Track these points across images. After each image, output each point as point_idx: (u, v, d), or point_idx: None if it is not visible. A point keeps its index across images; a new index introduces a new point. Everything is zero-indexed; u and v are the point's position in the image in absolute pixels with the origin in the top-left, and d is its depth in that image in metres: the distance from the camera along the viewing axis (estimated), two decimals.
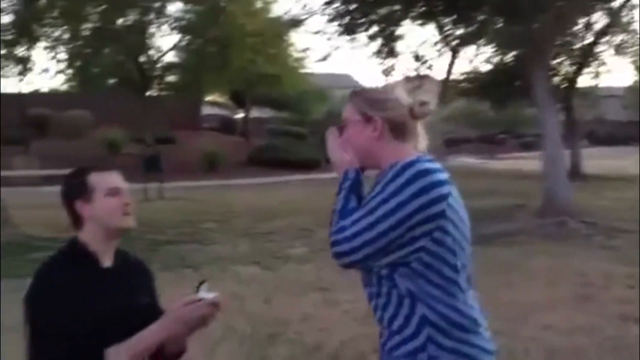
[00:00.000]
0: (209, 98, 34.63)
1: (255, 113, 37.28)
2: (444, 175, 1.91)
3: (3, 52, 13.40)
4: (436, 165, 1.94)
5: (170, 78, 25.43)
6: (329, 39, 18.11)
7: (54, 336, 2.07)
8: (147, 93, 24.37)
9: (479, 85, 25.16)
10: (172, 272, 7.47)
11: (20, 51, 13.73)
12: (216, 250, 9.58)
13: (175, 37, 24.76)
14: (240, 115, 37.86)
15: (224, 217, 13.21)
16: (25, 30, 13.39)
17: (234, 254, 9.21)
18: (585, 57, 22.85)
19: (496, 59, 24.07)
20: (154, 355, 2.24)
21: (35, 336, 2.14)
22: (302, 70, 29.96)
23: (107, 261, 2.24)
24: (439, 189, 1.87)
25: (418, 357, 1.89)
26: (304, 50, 27.71)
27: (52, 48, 18.82)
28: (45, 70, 20.97)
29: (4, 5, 13.01)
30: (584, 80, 26.36)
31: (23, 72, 14.60)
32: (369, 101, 2.05)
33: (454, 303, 1.89)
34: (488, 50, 23.22)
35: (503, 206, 13.78)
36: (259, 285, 7.30)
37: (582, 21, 20.19)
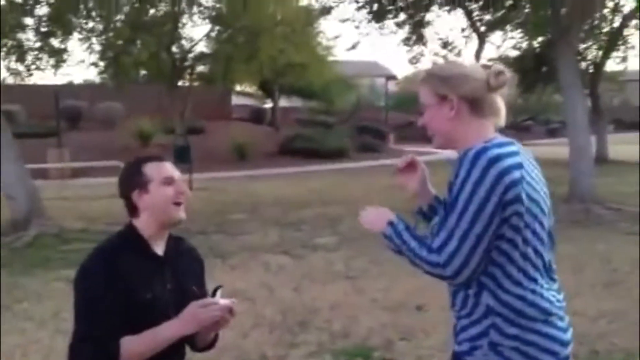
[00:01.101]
0: (238, 88, 34.76)
1: (284, 103, 37.36)
2: (514, 159, 1.88)
3: (38, 44, 13.63)
4: (505, 149, 1.91)
5: (201, 68, 25.57)
6: (357, 26, 18.14)
7: (98, 312, 2.16)
8: (178, 83, 24.56)
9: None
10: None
11: (55, 42, 13.91)
12: (245, 239, 9.70)
13: (206, 27, 24.85)
14: (269, 105, 37.96)
15: (253, 207, 13.34)
16: (61, 21, 13.55)
17: (263, 243, 9.32)
18: (613, 41, 22.50)
19: (524, 45, 23.84)
20: (183, 344, 2.34)
21: (80, 311, 2.23)
22: (331, 59, 29.92)
23: (159, 248, 2.35)
24: (510, 174, 1.85)
25: (479, 342, 1.92)
26: (333, 38, 27.63)
27: (86, 39, 19.05)
28: (81, 62, 21.15)
29: None
30: (611, 65, 26.03)
31: (58, 64, 14.80)
32: (442, 79, 2.00)
33: (521, 292, 1.90)
34: (516, 35, 23.03)
35: None
36: (288, 274, 7.40)
37: (610, 4, 19.90)
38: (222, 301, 2.21)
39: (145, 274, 2.27)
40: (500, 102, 2.02)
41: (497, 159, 1.85)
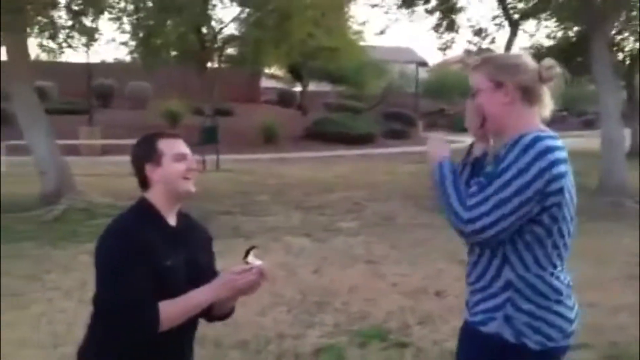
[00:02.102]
0: (267, 71, 34.80)
1: (312, 86, 37.33)
2: (562, 154, 2.01)
3: (70, 23, 13.75)
4: (556, 142, 2.02)
5: (230, 50, 25.64)
6: (386, 12, 18.03)
7: (125, 282, 2.21)
8: (207, 65, 24.66)
9: (539, 61, 24.63)
10: (225, 241, 7.69)
11: (87, 21, 14.03)
12: (269, 221, 9.78)
13: (236, 10, 24.84)
14: (297, 88, 37.98)
15: (278, 190, 13.43)
16: (92, 0, 13.68)
17: (286, 225, 9.39)
18: None
19: (558, 34, 23.49)
20: (202, 314, 2.41)
21: (104, 280, 2.29)
22: (361, 43, 29.78)
23: (171, 220, 2.41)
24: (558, 167, 1.96)
25: (495, 315, 2.04)
26: (363, 23, 27.49)
27: (117, 19, 19.20)
28: (112, 41, 21.36)
29: None
30: None
31: (89, 43, 14.94)
32: (499, 67, 2.11)
33: (541, 273, 2.02)
34: (550, 24, 22.68)
35: None
36: (309, 256, 7.46)
37: None
38: (255, 263, 2.26)
39: (161, 243, 2.32)
40: (548, 95, 2.14)
41: (550, 149, 1.97)
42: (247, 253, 2.32)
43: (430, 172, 2.13)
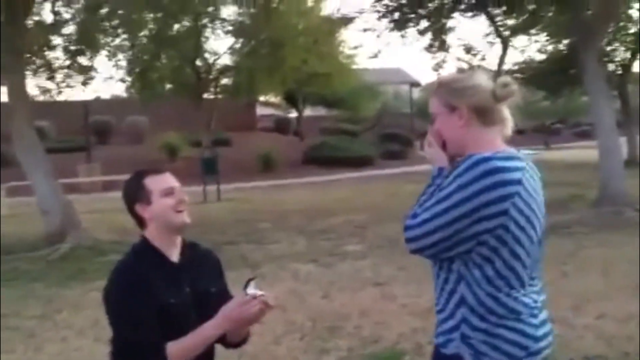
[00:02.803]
0: (263, 99, 35.04)
1: (308, 112, 37.52)
2: (514, 175, 1.96)
3: (67, 62, 13.94)
4: (511, 162, 1.99)
5: (225, 81, 25.85)
6: (379, 35, 18.19)
7: (132, 325, 2.28)
8: (203, 96, 24.85)
9: (532, 75, 24.84)
10: (233, 271, 7.72)
11: (83, 60, 14.24)
12: (274, 248, 9.82)
13: (229, 40, 25.13)
14: (293, 114, 38.17)
15: (281, 216, 13.47)
16: (88, 40, 13.88)
17: (291, 252, 9.43)
18: None
19: (549, 48, 23.73)
20: (218, 341, 2.44)
21: (114, 324, 2.36)
22: (355, 67, 30.00)
23: (174, 255, 2.45)
24: (504, 188, 1.92)
25: (452, 336, 2.03)
26: (355, 47, 27.73)
27: (112, 56, 19.42)
28: (110, 78, 21.55)
29: (67, 16, 13.53)
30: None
31: (86, 81, 15.13)
32: (451, 90, 2.10)
33: (495, 293, 1.98)
34: (541, 39, 22.92)
35: (559, 197, 13.66)
36: (317, 281, 7.49)
37: (636, 5, 19.76)
38: (258, 293, 2.29)
39: (164, 281, 2.37)
40: (506, 112, 2.12)
41: (496, 170, 1.94)
42: (247, 284, 2.33)
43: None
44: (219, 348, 2.55)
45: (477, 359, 1.99)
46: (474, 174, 1.93)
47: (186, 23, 21.30)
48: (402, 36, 17.96)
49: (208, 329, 2.32)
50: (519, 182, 1.97)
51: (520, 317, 2.01)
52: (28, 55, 12.43)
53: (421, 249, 2.02)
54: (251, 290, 2.30)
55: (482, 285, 1.99)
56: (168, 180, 2.46)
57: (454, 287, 2.04)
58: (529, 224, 2.01)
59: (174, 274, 2.43)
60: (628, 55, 23.29)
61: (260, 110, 37.68)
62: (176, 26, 20.91)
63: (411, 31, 17.94)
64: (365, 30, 17.98)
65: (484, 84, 2.09)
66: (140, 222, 2.46)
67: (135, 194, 2.43)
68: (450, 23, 18.98)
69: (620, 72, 23.42)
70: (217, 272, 2.62)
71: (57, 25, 13.47)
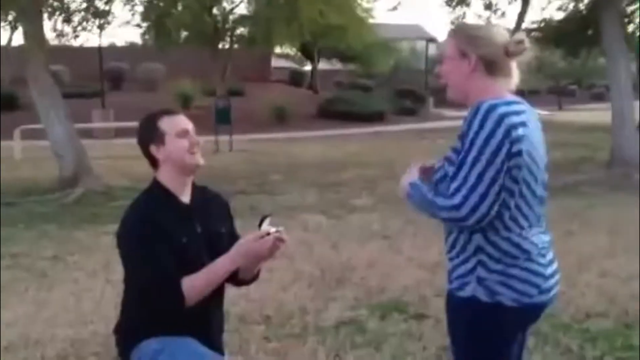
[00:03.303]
0: (278, 51, 34.78)
1: (323, 65, 37.27)
2: (519, 118, 2.07)
3: (84, 5, 13.84)
4: (514, 107, 2.09)
5: (241, 30, 25.64)
6: None
7: (148, 263, 2.34)
8: (219, 46, 24.69)
9: (550, 34, 24.47)
10: (242, 220, 7.81)
11: (100, 4, 14.13)
12: (284, 200, 9.90)
13: None
14: (308, 67, 37.93)
15: (292, 169, 13.53)
16: None
17: (301, 204, 9.51)
18: None
19: (570, 6, 23.30)
20: (228, 280, 2.51)
21: (128, 264, 2.43)
22: (371, 21, 29.64)
23: (185, 197, 2.50)
24: (516, 130, 2.03)
25: (468, 278, 2.14)
26: (373, 0, 27.35)
27: (129, 1, 19.22)
28: (126, 23, 21.34)
29: None
30: None
31: (103, 25, 15.03)
32: (467, 38, 2.19)
33: (508, 235, 2.09)
34: None
35: (570, 158, 13.65)
36: (326, 233, 7.58)
37: None
38: (271, 229, 2.35)
39: (176, 221, 2.43)
40: (514, 67, 2.21)
41: (505, 115, 2.05)
42: (261, 221, 2.40)
43: (405, 199, 2.22)
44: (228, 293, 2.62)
45: (492, 299, 2.10)
46: (492, 122, 2.02)
47: None
48: None
49: (223, 264, 2.38)
50: (524, 124, 2.08)
51: (531, 257, 2.12)
52: None
53: (485, 216, 2.04)
54: (265, 226, 2.36)
55: (499, 231, 2.09)
56: (182, 122, 2.49)
57: (468, 236, 2.13)
58: (535, 164, 2.12)
59: (186, 215, 2.48)
60: None
61: (275, 62, 37.47)
62: None
63: None
64: None
65: (499, 38, 2.17)
66: (154, 163, 2.49)
67: (149, 135, 2.46)
68: None
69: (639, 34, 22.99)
70: (226, 214, 2.68)
71: None
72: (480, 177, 2.02)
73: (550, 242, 2.23)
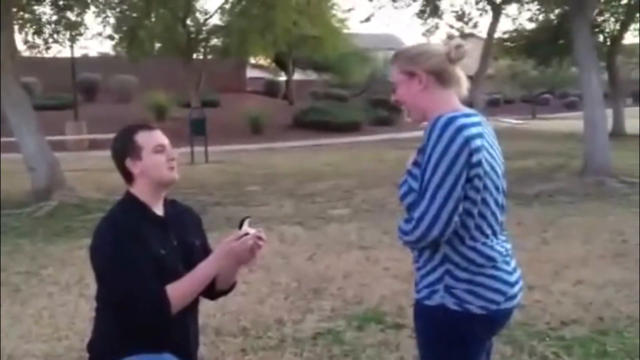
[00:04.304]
0: (252, 61, 34.78)
1: (298, 76, 37.32)
2: (477, 129, 2.10)
3: (55, 17, 13.71)
4: (471, 119, 2.12)
5: (215, 41, 25.61)
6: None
7: (130, 275, 2.30)
8: (193, 56, 24.62)
9: (522, 44, 24.79)
10: (219, 231, 7.78)
11: (72, 16, 13.99)
12: (261, 210, 9.86)
13: (220, 0, 24.83)
14: (283, 78, 37.96)
15: (268, 179, 13.51)
16: None
17: (278, 215, 9.48)
18: (631, 13, 22.23)
19: (540, 17, 23.65)
20: (204, 292, 2.48)
21: (105, 276, 2.38)
22: (345, 31, 29.78)
23: (158, 210, 2.49)
24: (474, 141, 2.06)
25: (436, 287, 2.15)
26: (348, 10, 27.55)
27: (101, 12, 19.10)
28: (98, 35, 21.17)
29: None
30: (629, 38, 25.80)
31: (74, 37, 14.90)
32: (409, 58, 2.22)
33: (473, 244, 2.12)
34: (532, 7, 22.85)
35: (544, 166, 13.79)
36: (303, 243, 7.56)
37: None
38: (251, 230, 2.37)
39: (153, 233, 2.41)
40: (461, 73, 2.24)
41: (464, 127, 2.08)
42: (241, 223, 2.41)
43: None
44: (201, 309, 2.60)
45: (461, 307, 2.12)
46: (447, 137, 2.04)
47: None
48: (394, 0, 17.87)
49: (205, 268, 2.38)
50: (481, 135, 2.12)
51: (496, 265, 2.15)
52: (15, 9, 12.24)
53: (445, 230, 2.06)
54: (245, 228, 2.38)
55: (465, 240, 2.12)
56: (159, 137, 2.48)
57: (435, 247, 2.14)
58: (494, 172, 2.15)
59: (162, 227, 2.47)
60: (618, 26, 23.25)
61: (249, 73, 37.45)
62: None
63: None
64: None
65: (439, 48, 2.21)
66: (128, 177, 2.47)
67: (125, 149, 2.45)
68: None
69: (609, 43, 23.41)
70: (198, 227, 2.67)
71: None
72: (434, 195, 2.04)
73: (511, 250, 2.27)
